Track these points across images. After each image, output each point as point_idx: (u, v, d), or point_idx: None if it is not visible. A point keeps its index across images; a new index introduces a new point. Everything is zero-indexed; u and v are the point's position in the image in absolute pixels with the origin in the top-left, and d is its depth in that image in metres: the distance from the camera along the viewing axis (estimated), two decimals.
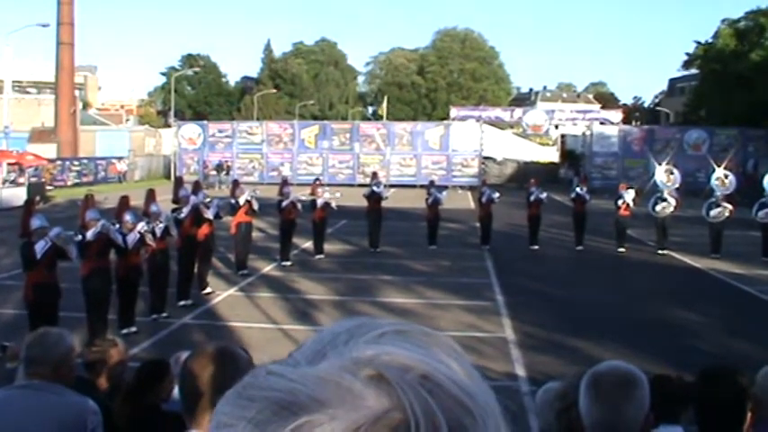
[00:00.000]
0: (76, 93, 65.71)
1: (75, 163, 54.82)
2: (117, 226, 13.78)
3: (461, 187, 54.97)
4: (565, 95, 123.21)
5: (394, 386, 0.65)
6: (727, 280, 20.30)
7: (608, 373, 2.67)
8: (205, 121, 67.29)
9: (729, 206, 23.81)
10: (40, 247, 11.85)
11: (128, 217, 14.16)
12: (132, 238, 13.85)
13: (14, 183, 38.23)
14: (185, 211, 16.82)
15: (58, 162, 52.66)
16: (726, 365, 4.06)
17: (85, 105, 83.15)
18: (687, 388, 4.60)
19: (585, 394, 2.65)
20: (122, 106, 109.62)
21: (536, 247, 25.32)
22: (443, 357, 0.71)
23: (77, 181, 52.39)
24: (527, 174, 47.34)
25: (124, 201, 14.93)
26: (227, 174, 54.44)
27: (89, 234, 12.84)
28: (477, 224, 26.42)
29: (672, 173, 25.98)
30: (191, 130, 62.29)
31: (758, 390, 4.13)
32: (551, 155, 71.95)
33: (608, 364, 2.78)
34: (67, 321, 11.38)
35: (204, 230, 17.60)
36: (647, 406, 2.63)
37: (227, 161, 58.02)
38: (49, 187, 44.42)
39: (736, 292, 18.93)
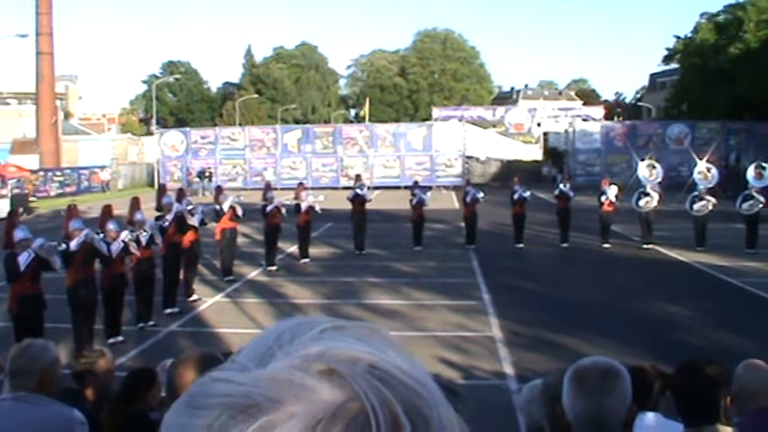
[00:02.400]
0: (57, 103, 65.29)
1: (58, 173, 54.56)
2: (101, 235, 13.74)
3: (445, 187, 55.08)
4: (546, 93, 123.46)
5: (346, 378, 0.65)
6: (713, 272, 20.39)
7: (590, 367, 2.69)
8: (187, 128, 67.22)
9: (713, 199, 23.91)
10: (23, 258, 11.81)
11: (111, 226, 14.12)
12: (116, 246, 13.81)
13: None
14: (169, 218, 16.80)
15: (41, 173, 52.44)
16: (701, 357, 4.10)
17: (67, 115, 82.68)
18: (663, 377, 4.65)
19: (569, 389, 2.67)
20: (104, 115, 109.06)
21: (521, 245, 25.34)
22: (384, 348, 0.72)
23: (60, 191, 52.09)
24: (510, 172, 47.42)
25: (107, 210, 14.88)
26: (210, 180, 54.32)
27: (73, 244, 12.79)
28: (462, 224, 26.46)
29: (654, 167, 26.07)
30: (173, 137, 62.12)
31: (739, 382, 4.17)
32: (534, 153, 72.03)
33: (590, 358, 2.80)
34: (54, 332, 11.33)
35: (189, 237, 17.58)
36: (629, 398, 2.65)
37: (209, 168, 57.84)
38: (32, 198, 44.24)
39: (721, 284, 19.01)
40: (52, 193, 51.16)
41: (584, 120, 62.55)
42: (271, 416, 0.63)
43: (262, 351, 0.72)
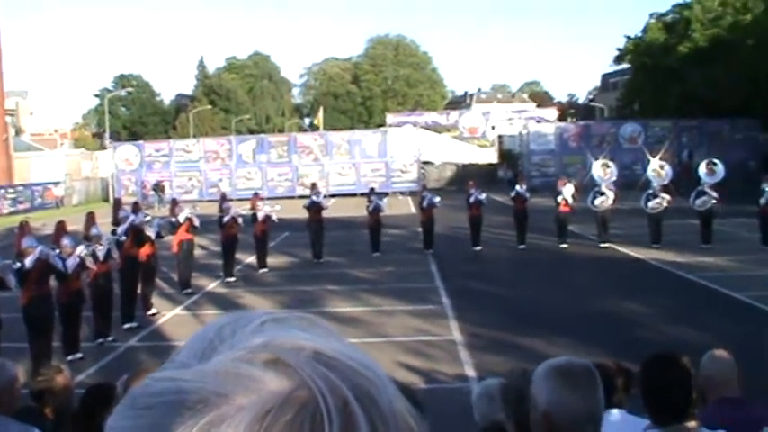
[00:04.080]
0: (8, 119, 64.72)
1: (11, 190, 53.95)
2: (56, 251, 13.60)
3: (402, 193, 55.15)
4: (500, 96, 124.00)
5: (292, 366, 0.65)
6: (669, 269, 20.61)
7: (573, 365, 2.69)
8: (141, 142, 66.74)
9: (667, 196, 24.16)
10: None
11: (66, 241, 13.99)
12: (72, 262, 13.67)
13: None
14: (121, 229, 16.70)
15: None
16: (669, 351, 4.12)
17: (18, 131, 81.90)
18: (626, 373, 4.68)
19: (554, 387, 2.65)
20: (56, 130, 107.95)
21: (479, 248, 25.43)
22: (326, 337, 0.72)
23: (13, 209, 51.46)
24: (466, 176, 47.47)
25: (60, 226, 14.77)
26: (164, 193, 54.00)
27: (27, 261, 12.64)
28: (420, 229, 26.49)
29: (608, 166, 26.31)
30: (127, 151, 61.66)
31: (704, 372, 4.21)
32: (489, 156, 72.36)
33: (562, 358, 2.80)
34: (10, 351, 11.18)
35: (146, 251, 17.47)
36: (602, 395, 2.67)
37: (162, 181, 57.47)
38: None
39: (677, 280, 19.21)
40: (5, 211, 50.54)
41: (538, 122, 63.12)
42: (219, 410, 0.62)
43: (203, 346, 0.71)
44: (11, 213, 49.56)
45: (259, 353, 0.66)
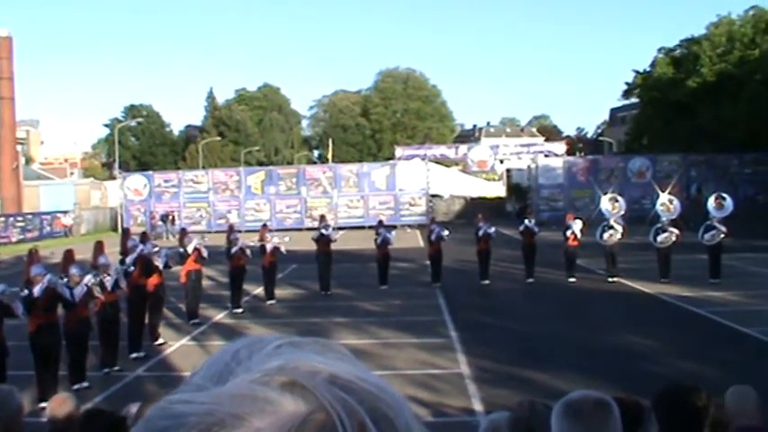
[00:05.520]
0: (18, 148, 65.00)
1: (20, 219, 54.15)
2: (64, 280, 13.60)
3: (410, 226, 55.16)
4: (508, 130, 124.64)
5: (309, 389, 0.64)
6: (678, 303, 20.51)
7: (584, 400, 2.67)
8: (150, 172, 66.87)
9: (676, 231, 24.13)
10: None
11: (74, 270, 14.00)
12: (79, 291, 13.67)
13: None
14: (130, 258, 16.73)
15: (2, 218, 52.08)
16: (683, 384, 4.09)
17: (28, 160, 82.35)
18: (641, 408, 4.64)
19: (562, 422, 2.64)
20: (66, 159, 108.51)
21: (487, 281, 25.37)
22: (340, 361, 0.72)
23: (22, 237, 51.66)
24: (474, 209, 47.48)
25: (69, 255, 14.79)
26: (173, 224, 54.12)
27: (36, 290, 12.65)
28: (428, 262, 26.46)
29: (617, 200, 26.30)
30: (136, 181, 61.82)
31: (728, 404, 4.18)
32: (498, 190, 72.44)
33: (579, 392, 2.79)
34: (16, 379, 11.15)
35: (154, 281, 17.48)
36: (620, 429, 2.64)
37: (172, 212, 57.61)
38: None
39: (686, 314, 19.11)
40: (14, 239, 50.74)
41: (547, 155, 63.03)
42: None
43: (219, 369, 0.71)
44: (19, 241, 49.77)
45: (276, 376, 0.66)
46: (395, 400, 0.69)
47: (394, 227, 31.76)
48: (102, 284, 14.54)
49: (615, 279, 24.73)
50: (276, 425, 0.61)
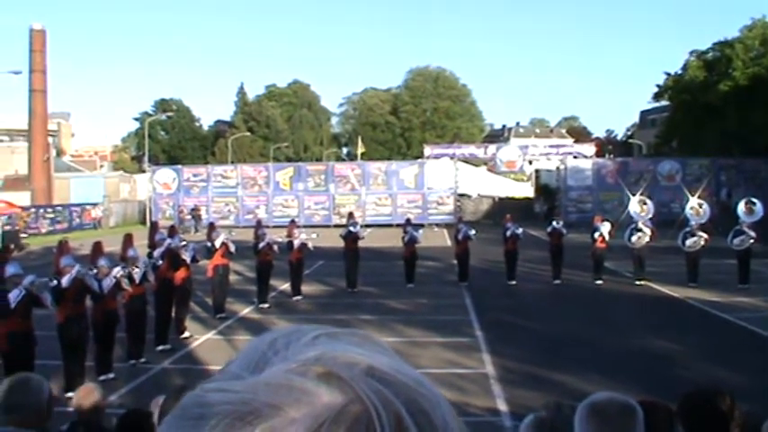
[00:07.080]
0: (50, 140, 65.41)
1: (50, 210, 54.42)
2: (93, 272, 13.69)
3: (437, 225, 55.04)
4: (538, 131, 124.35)
5: (346, 381, 0.64)
6: (705, 308, 20.38)
7: (608, 403, 2.66)
8: (179, 166, 66.93)
9: (705, 235, 23.97)
10: (14, 295, 11.73)
11: (102, 262, 14.10)
12: (107, 283, 13.75)
13: None
14: (158, 252, 16.82)
15: (32, 210, 52.39)
16: (707, 388, 4.07)
17: (59, 152, 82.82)
18: (669, 412, 4.62)
19: (586, 425, 2.63)
20: (96, 152, 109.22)
21: (514, 282, 25.32)
22: (378, 353, 0.72)
23: (51, 228, 51.90)
24: (502, 210, 47.30)
25: (97, 246, 14.87)
26: (200, 219, 54.27)
27: (64, 280, 12.73)
28: (455, 261, 26.43)
29: (645, 203, 26.18)
30: (165, 174, 62.07)
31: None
32: (526, 190, 72.24)
33: (603, 394, 2.78)
34: (44, 369, 11.19)
35: (181, 274, 17.55)
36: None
37: (198, 207, 57.88)
38: (23, 235, 44.18)
39: (714, 319, 18.99)
40: (43, 230, 51.00)
41: (576, 157, 62.68)
42: (271, 422, 0.61)
43: (256, 358, 0.71)
44: (49, 233, 50.01)
45: (312, 366, 0.66)
46: (432, 394, 0.69)
47: (421, 225, 31.66)
48: (130, 277, 14.63)
49: (642, 282, 24.58)
50: (311, 415, 0.61)
